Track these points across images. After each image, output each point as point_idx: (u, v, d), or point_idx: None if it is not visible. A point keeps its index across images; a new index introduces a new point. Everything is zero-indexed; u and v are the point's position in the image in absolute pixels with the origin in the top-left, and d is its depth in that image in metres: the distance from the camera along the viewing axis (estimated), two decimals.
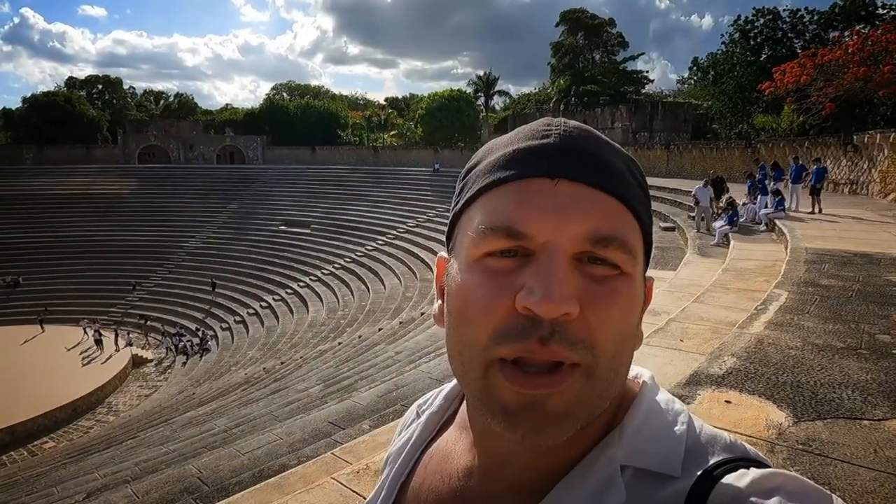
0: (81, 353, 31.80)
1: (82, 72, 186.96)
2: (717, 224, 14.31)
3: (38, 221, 47.60)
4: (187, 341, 33.36)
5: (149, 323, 37.75)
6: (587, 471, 0.60)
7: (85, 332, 33.22)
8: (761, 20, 37.36)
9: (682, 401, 3.38)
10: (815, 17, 36.28)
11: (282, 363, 22.39)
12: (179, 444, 10.00)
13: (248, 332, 33.14)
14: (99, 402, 27.00)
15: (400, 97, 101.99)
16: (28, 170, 55.08)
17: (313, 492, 3.68)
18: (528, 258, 0.55)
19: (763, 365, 4.03)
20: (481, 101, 71.46)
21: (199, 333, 34.40)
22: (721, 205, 15.53)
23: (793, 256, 8.37)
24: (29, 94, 65.96)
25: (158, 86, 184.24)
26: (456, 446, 0.72)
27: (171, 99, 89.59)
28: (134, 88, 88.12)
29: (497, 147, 0.63)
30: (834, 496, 0.52)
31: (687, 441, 0.60)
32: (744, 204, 15.84)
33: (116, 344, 32.22)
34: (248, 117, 70.63)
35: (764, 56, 36.75)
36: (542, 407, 0.53)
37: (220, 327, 35.12)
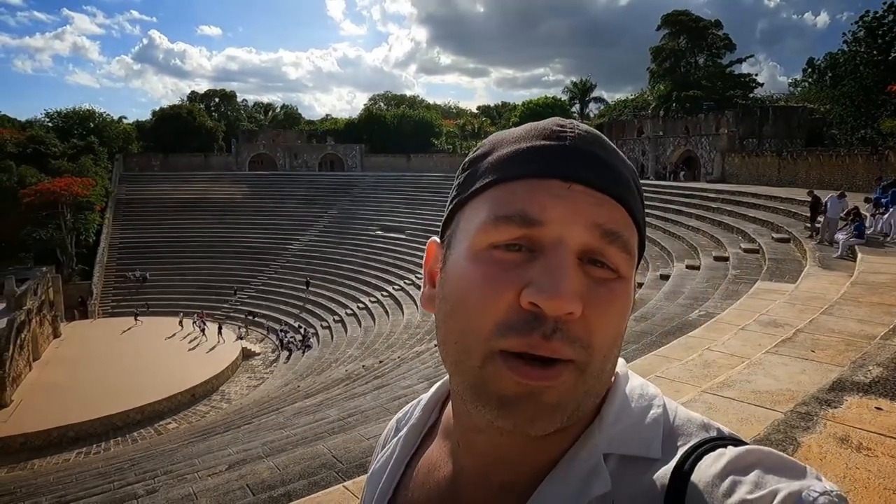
0: (188, 340, 34.91)
1: (199, 86, 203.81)
2: (840, 236, 13.44)
3: (164, 223, 52.39)
4: (290, 338, 35.43)
5: (256, 319, 40.46)
6: (571, 463, 0.62)
7: (193, 323, 36.09)
8: (891, 16, 34.36)
9: (828, 406, 3.42)
10: None
11: (380, 362, 23.31)
12: (299, 429, 10.80)
13: (346, 331, 34.69)
14: (214, 389, 29.31)
15: (492, 105, 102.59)
16: (155, 176, 60.73)
17: None
18: (534, 254, 0.58)
19: None
20: (576, 107, 70.57)
21: (302, 331, 36.42)
22: (842, 215, 14.57)
23: None
24: (154, 108, 73.00)
25: (264, 98, 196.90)
26: (441, 455, 0.73)
27: (278, 110, 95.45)
28: (246, 101, 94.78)
29: (507, 141, 0.65)
30: (808, 467, 0.56)
31: (664, 424, 0.64)
32: (872, 215, 14.76)
33: (220, 335, 34.78)
34: (348, 127, 73.96)
35: (893, 55, 33.78)
36: (539, 398, 0.55)
37: (321, 325, 36.99)
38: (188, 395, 27.51)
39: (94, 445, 22.81)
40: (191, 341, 34.71)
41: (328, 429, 9.87)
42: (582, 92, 69.34)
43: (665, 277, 17.92)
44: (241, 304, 42.56)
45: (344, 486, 4.45)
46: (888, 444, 2.98)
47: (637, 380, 0.70)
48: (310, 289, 41.84)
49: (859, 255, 11.15)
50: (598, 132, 0.64)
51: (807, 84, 57.27)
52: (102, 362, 30.71)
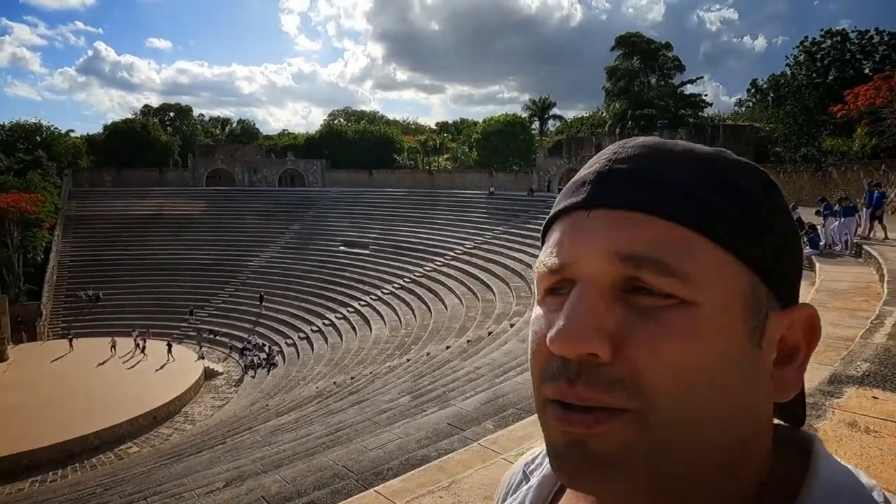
0: (127, 359, 33.93)
1: (148, 99, 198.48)
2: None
3: (117, 240, 50.69)
4: (254, 356, 34.77)
5: (217, 338, 39.54)
6: None
7: (135, 340, 35.21)
8: (828, 42, 36.81)
9: (832, 396, 3.81)
10: (886, 38, 35.51)
11: (352, 378, 23.18)
12: (287, 445, 10.75)
13: (312, 348, 34.29)
14: (176, 411, 28.45)
15: (450, 122, 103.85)
16: (107, 192, 58.81)
17: (490, 468, 4.22)
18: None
19: None
20: (535, 124, 72.27)
21: (266, 349, 35.79)
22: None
23: (892, 277, 8.51)
24: (101, 121, 70.90)
25: (217, 112, 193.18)
26: None
27: (235, 125, 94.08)
28: (203, 115, 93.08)
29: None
30: None
31: None
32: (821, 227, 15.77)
33: (170, 353, 34.04)
34: (308, 142, 73.53)
35: (831, 78, 36.13)
36: (584, 447, 0.49)
37: (286, 343, 36.45)
38: (149, 417, 26.62)
39: (51, 473, 21.80)
40: (127, 361, 33.66)
41: (319, 443, 9.87)
42: (541, 109, 71.13)
43: None
44: (200, 322, 41.50)
45: (376, 491, 4.59)
46: (891, 427, 3.37)
47: (842, 465, 0.53)
48: (268, 305, 41.20)
49: (817, 265, 11.94)
50: (653, 141, 0.57)
51: (751, 104, 60.36)
52: (53, 386, 29.38)
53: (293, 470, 7.15)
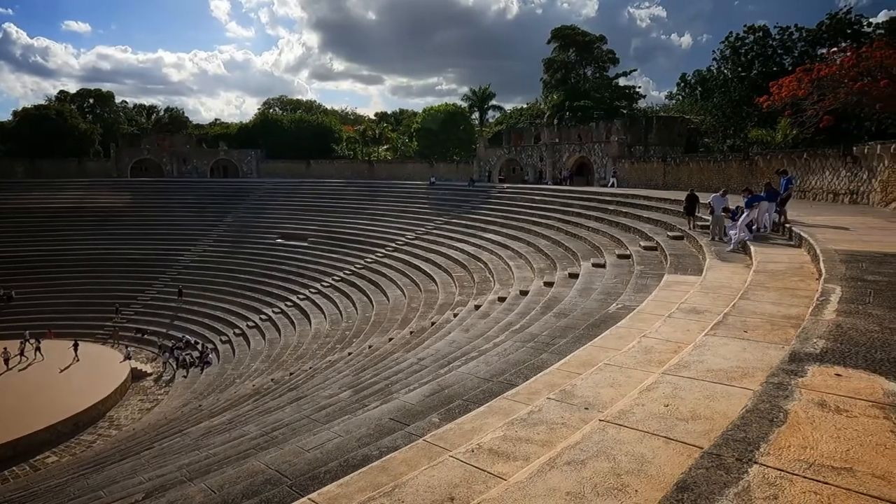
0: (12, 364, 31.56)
1: (65, 86, 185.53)
2: (732, 231, 14.68)
3: (32, 235, 47.12)
4: (187, 354, 33.09)
5: (145, 336, 37.41)
6: None
7: (22, 344, 32.90)
8: (751, 37, 38.38)
9: (795, 375, 3.61)
10: (804, 35, 37.36)
11: (290, 374, 22.32)
12: (218, 449, 9.99)
13: (249, 344, 32.96)
14: (100, 415, 26.66)
15: (389, 112, 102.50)
16: (20, 183, 54.56)
17: (437, 468, 3.81)
18: None
19: (853, 345, 4.26)
20: (475, 115, 72.24)
21: (199, 346, 34.14)
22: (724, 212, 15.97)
23: (826, 257, 8.68)
24: (14, 108, 65.59)
25: (143, 101, 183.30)
26: None
27: (162, 113, 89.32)
28: (126, 102, 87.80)
29: None
30: None
31: None
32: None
33: (76, 353, 32.14)
34: (242, 131, 70.71)
35: (755, 72, 37.71)
36: None
37: (220, 340, 34.90)
38: (70, 423, 24.80)
39: None
40: (13, 365, 31.34)
41: (253, 445, 9.20)
42: (481, 100, 71.17)
43: (574, 276, 18.67)
44: (127, 321, 39.13)
45: (310, 499, 4.10)
46: (860, 405, 3.19)
47: None
48: (202, 301, 39.39)
49: (752, 248, 12.20)
50: None
51: (680, 97, 62.54)
52: None
53: (221, 477, 6.52)
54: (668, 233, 19.61)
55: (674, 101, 65.14)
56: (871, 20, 36.64)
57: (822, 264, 8.24)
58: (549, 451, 3.71)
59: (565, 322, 11.71)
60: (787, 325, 6.03)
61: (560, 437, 4.21)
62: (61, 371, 30.25)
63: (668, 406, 3.92)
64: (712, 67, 42.74)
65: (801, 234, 11.96)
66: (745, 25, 38.84)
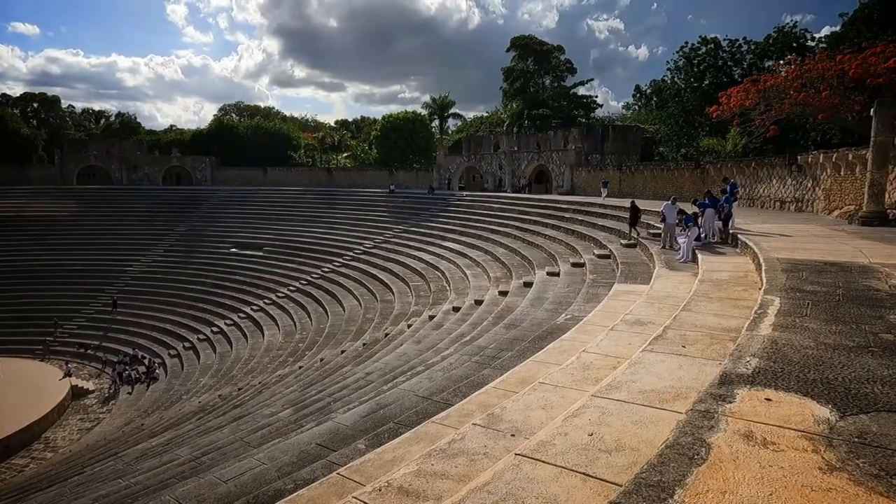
0: None
1: (12, 90, 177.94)
2: (682, 240, 14.69)
3: None
4: (132, 370, 31.62)
5: (88, 352, 35.65)
6: None
7: None
8: (704, 48, 39.31)
9: (723, 401, 3.32)
10: (752, 47, 38.47)
11: (239, 389, 21.44)
12: (142, 476, 9.31)
13: (199, 358, 31.70)
14: (35, 437, 25.10)
15: (350, 119, 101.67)
16: None
17: None
18: None
19: (787, 364, 4.03)
20: (435, 123, 72.09)
21: (146, 361, 32.67)
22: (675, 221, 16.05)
23: (768, 266, 8.60)
24: None
25: (96, 106, 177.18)
26: None
27: (113, 119, 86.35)
28: (73, 107, 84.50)
29: None
30: None
31: None
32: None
33: None
34: (196, 138, 68.79)
35: (706, 82, 38.60)
36: None
37: (169, 354, 33.49)
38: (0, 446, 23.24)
39: None
40: None
41: (177, 472, 8.57)
42: (441, 108, 71.05)
43: (528, 285, 18.48)
44: (68, 335, 37.24)
45: None
46: (788, 436, 2.92)
47: None
48: (149, 314, 37.83)
49: (699, 256, 12.17)
50: None
51: (637, 108, 63.78)
52: None
53: None
54: (622, 240, 19.64)
55: (630, 111, 66.46)
56: (815, 35, 38.07)
57: (763, 274, 8.15)
58: (462, 488, 3.33)
59: (514, 334, 11.42)
60: (726, 339, 5.83)
61: (478, 470, 3.84)
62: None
63: (592, 435, 3.59)
64: (666, 77, 43.67)
65: (747, 242, 11.99)
66: (700, 36, 39.78)
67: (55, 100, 75.35)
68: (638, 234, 18.54)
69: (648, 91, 52.06)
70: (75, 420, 27.67)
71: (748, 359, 4.15)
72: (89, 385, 31.54)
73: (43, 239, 46.71)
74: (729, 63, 39.14)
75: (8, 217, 48.83)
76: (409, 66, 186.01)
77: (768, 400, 3.36)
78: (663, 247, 15.63)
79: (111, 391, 30.74)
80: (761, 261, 9.26)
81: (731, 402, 3.33)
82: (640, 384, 4.54)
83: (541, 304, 14.36)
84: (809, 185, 20.80)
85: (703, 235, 14.69)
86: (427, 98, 71.68)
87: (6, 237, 46.25)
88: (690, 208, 16.52)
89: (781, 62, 32.37)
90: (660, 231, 16.97)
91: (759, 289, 7.94)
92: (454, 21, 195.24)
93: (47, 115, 72.97)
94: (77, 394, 30.12)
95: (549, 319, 11.94)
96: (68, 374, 31.26)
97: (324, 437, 6.97)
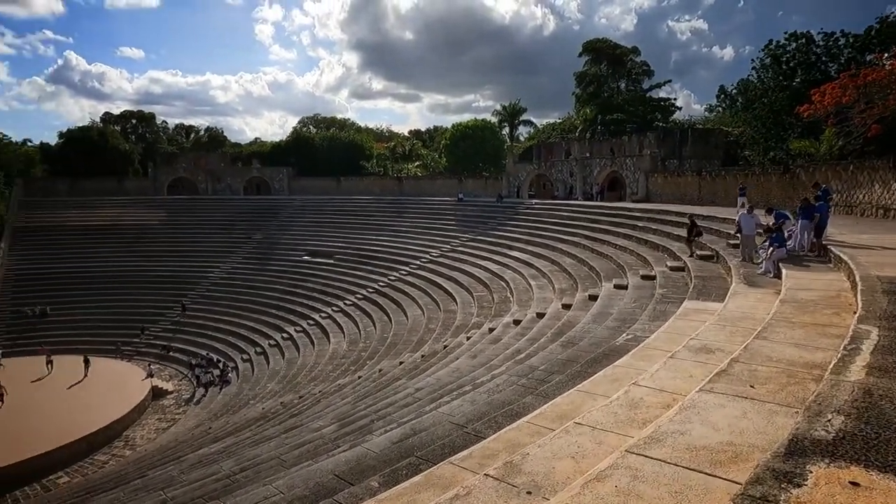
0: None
1: (119, 109, 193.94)
2: (763, 253, 13.22)
3: (68, 252, 48.24)
4: (208, 373, 32.85)
5: (170, 354, 37.47)
6: None
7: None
8: (793, 44, 36.38)
9: (790, 483, 2.40)
10: (851, 41, 35.15)
11: (300, 398, 21.58)
12: (179, 491, 9.22)
13: (268, 363, 32.50)
14: (117, 435, 26.46)
15: (424, 129, 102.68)
16: (62, 201, 56.19)
17: None
18: None
19: (885, 427, 3.08)
20: (506, 130, 71.28)
21: (220, 365, 33.88)
22: (759, 231, 14.52)
23: (866, 286, 7.32)
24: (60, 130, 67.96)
25: (192, 121, 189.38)
26: None
27: (202, 133, 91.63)
28: (167, 123, 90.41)
29: None
30: None
31: None
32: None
33: (87, 368, 32.46)
34: (275, 149, 71.60)
35: (797, 81, 35.66)
36: None
37: (241, 359, 34.57)
38: (84, 442, 24.60)
39: None
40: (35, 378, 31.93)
41: (210, 490, 8.37)
42: (511, 115, 70.15)
43: (593, 298, 17.39)
44: (153, 338, 39.36)
45: None
46: None
47: None
48: (226, 318, 39.30)
49: (784, 271, 10.79)
50: None
51: (720, 109, 60.20)
52: None
53: None
54: (699, 252, 18.14)
55: (713, 114, 62.88)
56: None
57: (859, 295, 6.91)
58: None
59: (569, 353, 10.53)
60: (807, 378, 4.81)
61: None
62: (68, 388, 30.43)
63: None
64: (751, 77, 40.79)
65: (841, 255, 10.49)
66: (785, 32, 36.85)
67: (151, 116, 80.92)
68: (693, 252, 17.41)
69: (734, 92, 48.91)
70: (154, 420, 28.98)
71: (830, 416, 3.22)
72: (168, 386, 33.05)
73: (134, 246, 49.85)
74: (823, 58, 35.97)
75: (105, 226, 52.53)
76: (483, 76, 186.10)
77: (854, 483, 2.47)
78: (742, 260, 14.16)
79: (188, 393, 32.07)
80: (857, 279, 7.94)
81: (800, 486, 2.47)
82: (690, 437, 3.70)
83: (603, 319, 13.33)
84: None
85: (789, 245, 13.14)
86: (498, 106, 70.93)
87: (103, 245, 49.70)
88: (765, 218, 14.98)
89: (886, 55, 29.26)
90: (738, 242, 15.45)
91: (854, 313, 6.72)
92: (529, 28, 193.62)
93: (144, 131, 78.43)
94: (157, 394, 31.62)
95: (608, 339, 10.95)
96: (150, 375, 32.92)
97: (347, 466, 6.47)
